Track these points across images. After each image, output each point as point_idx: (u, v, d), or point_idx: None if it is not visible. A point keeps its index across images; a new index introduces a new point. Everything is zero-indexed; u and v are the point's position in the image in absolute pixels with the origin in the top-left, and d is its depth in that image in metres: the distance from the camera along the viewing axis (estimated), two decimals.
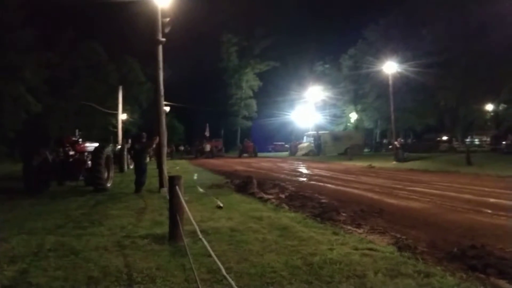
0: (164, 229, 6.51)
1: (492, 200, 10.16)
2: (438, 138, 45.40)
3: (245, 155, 48.10)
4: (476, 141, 45.14)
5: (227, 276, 2.57)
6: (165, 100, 14.26)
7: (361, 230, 6.98)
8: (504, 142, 32.92)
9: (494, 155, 28.47)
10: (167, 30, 13.48)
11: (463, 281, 4.28)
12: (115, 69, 48.32)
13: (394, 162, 27.23)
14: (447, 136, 44.32)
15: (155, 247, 5.77)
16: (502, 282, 4.34)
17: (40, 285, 4.29)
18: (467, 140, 45.49)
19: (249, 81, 68.41)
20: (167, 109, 16.65)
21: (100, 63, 46.32)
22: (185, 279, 4.39)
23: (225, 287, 4.05)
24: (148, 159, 34.28)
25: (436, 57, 35.72)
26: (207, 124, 52.10)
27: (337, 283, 4.20)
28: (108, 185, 14.03)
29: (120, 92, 37.39)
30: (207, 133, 51.39)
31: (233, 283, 2.57)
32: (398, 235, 6.51)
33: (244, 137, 58.39)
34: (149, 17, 13.52)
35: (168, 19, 13.40)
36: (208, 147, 48.21)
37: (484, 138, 45.21)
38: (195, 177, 11.03)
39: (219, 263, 2.98)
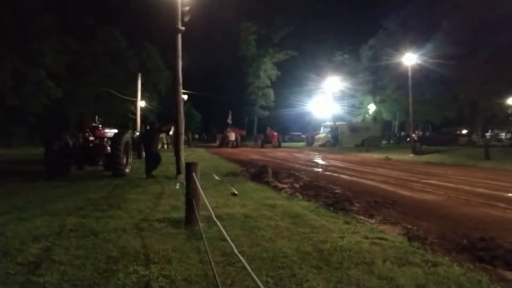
0: (181, 213, 6.72)
1: (506, 194, 10.15)
2: (457, 132, 44.84)
3: (268, 145, 44.30)
4: (503, 135, 44.28)
5: (239, 255, 2.73)
6: (183, 88, 14.44)
7: (373, 220, 7.07)
8: None
9: None
10: (186, 19, 13.62)
11: (470, 271, 4.39)
12: (134, 56, 48.67)
13: (411, 155, 27.09)
14: (466, 130, 43.72)
15: (171, 230, 5.98)
16: (508, 274, 4.42)
17: (62, 262, 4.52)
18: (488, 134, 44.82)
19: (267, 70, 68.25)
20: (185, 97, 16.84)
21: (119, 50, 46.73)
22: (200, 261, 4.58)
23: (238, 269, 4.24)
24: (166, 146, 34.86)
25: (457, 48, 35.12)
26: (230, 111, 48.32)
27: (346, 269, 4.34)
28: (127, 170, 14.37)
29: (139, 79, 37.81)
30: (229, 121, 47.39)
31: (245, 262, 2.72)
32: (409, 226, 6.59)
33: (263, 126, 54.86)
34: (169, 6, 13.67)
35: (187, 8, 13.55)
36: (233, 136, 43.63)
37: (504, 134, 44.53)
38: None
39: (231, 243, 3.14)
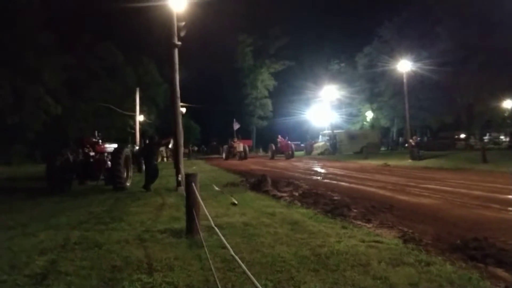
0: (182, 224, 6.88)
1: (501, 196, 10.30)
2: (455, 136, 45.04)
3: (280, 155, 39.79)
4: (502, 138, 44.43)
5: (236, 257, 2.89)
6: (181, 101, 14.64)
7: (370, 225, 7.23)
8: None
9: (511, 153, 28.25)
10: (182, 34, 13.88)
11: (461, 269, 4.55)
12: (132, 71, 48.95)
13: (410, 160, 27.24)
14: (464, 134, 43.94)
15: (173, 240, 6.13)
16: (499, 271, 4.58)
17: (68, 273, 4.67)
18: (486, 137, 45.01)
19: (264, 80, 68.58)
20: (184, 110, 17.04)
21: (117, 65, 47.00)
22: (201, 268, 4.74)
23: (238, 274, 4.39)
24: (165, 159, 35.00)
25: (451, 54, 35.49)
26: (234, 120, 45.06)
27: (342, 271, 4.50)
28: (127, 184, 14.51)
29: (137, 93, 38.11)
30: (236, 126, 43.76)
31: (243, 265, 2.88)
32: (405, 229, 6.75)
33: (261, 136, 51.54)
34: (165, 22, 13.94)
35: (183, 23, 13.81)
36: (241, 147, 39.04)
37: (502, 136, 44.77)
38: None
39: (228, 246, 3.30)
